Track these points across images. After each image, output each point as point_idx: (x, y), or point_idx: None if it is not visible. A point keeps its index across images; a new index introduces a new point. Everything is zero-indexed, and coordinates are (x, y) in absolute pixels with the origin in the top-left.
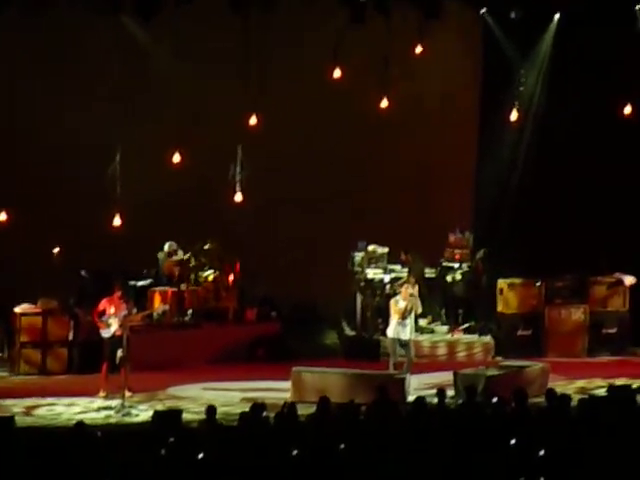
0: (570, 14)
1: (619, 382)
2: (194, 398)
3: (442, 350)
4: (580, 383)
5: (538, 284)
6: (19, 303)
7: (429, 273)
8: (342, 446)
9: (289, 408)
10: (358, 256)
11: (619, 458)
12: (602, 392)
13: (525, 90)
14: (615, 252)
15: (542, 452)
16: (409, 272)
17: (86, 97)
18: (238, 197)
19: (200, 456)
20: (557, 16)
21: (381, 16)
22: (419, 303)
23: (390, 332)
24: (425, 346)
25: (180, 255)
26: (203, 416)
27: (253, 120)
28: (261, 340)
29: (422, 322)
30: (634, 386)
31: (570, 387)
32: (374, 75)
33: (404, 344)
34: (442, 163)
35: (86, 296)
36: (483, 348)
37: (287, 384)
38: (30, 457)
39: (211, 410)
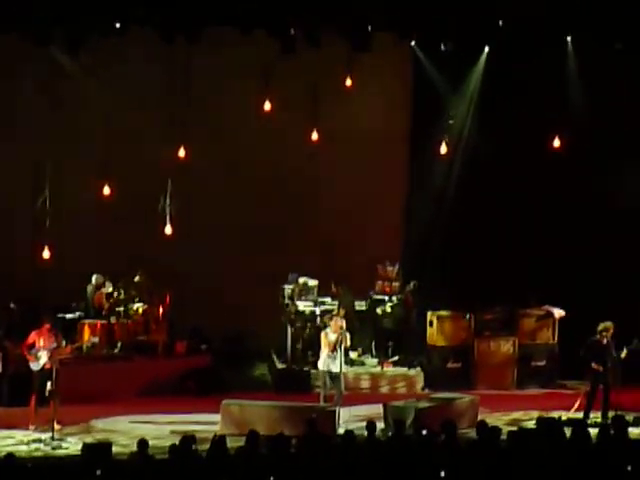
0: (500, 47)
1: (548, 414)
2: (123, 431)
3: (369, 383)
4: (510, 416)
5: (467, 317)
6: None
7: (359, 306)
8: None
9: (218, 441)
10: (288, 288)
11: None
12: (531, 424)
13: (455, 123)
14: (544, 285)
15: None
16: (339, 305)
17: (13, 129)
18: (168, 229)
19: None
20: (487, 49)
21: (312, 48)
22: (348, 336)
23: (321, 365)
24: (351, 378)
25: (108, 287)
26: (133, 449)
27: (182, 152)
28: (191, 373)
29: (353, 355)
30: (563, 418)
31: (500, 419)
32: (305, 107)
33: (334, 377)
34: (372, 195)
35: (15, 329)
36: (410, 381)
37: (217, 417)
38: None
39: (143, 443)
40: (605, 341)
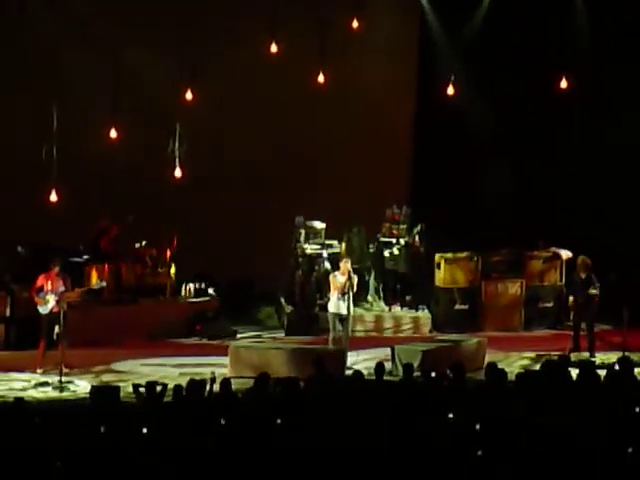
0: None
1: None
2: (132, 373)
3: (381, 324)
4: (517, 357)
5: (475, 259)
6: None
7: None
8: (279, 421)
9: (223, 383)
10: (296, 232)
11: (554, 432)
12: (537, 366)
13: (460, 67)
14: (551, 227)
15: (478, 426)
16: (347, 247)
17: (25, 72)
18: (177, 172)
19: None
20: None
21: None
22: (356, 279)
23: (330, 307)
24: (367, 320)
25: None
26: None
27: (189, 95)
28: (198, 316)
29: (369, 297)
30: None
31: (508, 361)
32: (311, 49)
33: (343, 319)
34: (379, 138)
35: (23, 272)
36: (418, 323)
37: (225, 359)
38: None
39: (151, 386)
40: (584, 276)
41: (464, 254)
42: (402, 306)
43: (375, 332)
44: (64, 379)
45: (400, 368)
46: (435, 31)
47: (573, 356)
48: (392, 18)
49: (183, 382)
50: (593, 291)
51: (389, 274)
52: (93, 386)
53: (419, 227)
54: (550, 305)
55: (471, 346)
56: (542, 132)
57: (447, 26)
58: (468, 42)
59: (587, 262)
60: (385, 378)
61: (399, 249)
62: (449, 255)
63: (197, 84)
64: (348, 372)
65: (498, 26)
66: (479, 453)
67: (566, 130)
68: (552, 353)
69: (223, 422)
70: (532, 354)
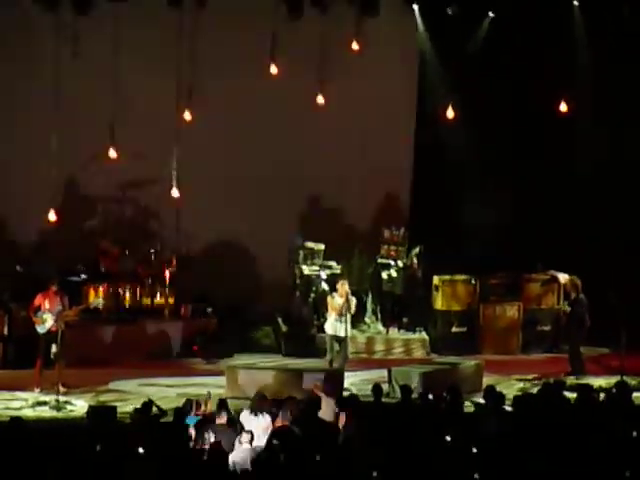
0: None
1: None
2: (129, 393)
3: (378, 347)
4: (514, 380)
5: (473, 281)
6: None
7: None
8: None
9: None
10: (294, 252)
11: (553, 454)
12: (535, 389)
13: (460, 87)
14: (549, 250)
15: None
16: (343, 269)
17: (20, 94)
18: (175, 193)
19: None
20: (491, 14)
21: (319, 12)
22: (354, 301)
23: (328, 328)
24: (361, 342)
25: (113, 251)
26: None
27: (187, 116)
28: (196, 336)
29: (367, 319)
30: (568, 383)
31: (505, 384)
32: (311, 72)
33: (341, 341)
34: (379, 159)
35: (20, 291)
36: (415, 345)
37: (222, 380)
38: None
39: (147, 405)
40: (572, 296)
41: (462, 277)
42: (399, 328)
43: (368, 354)
44: (61, 398)
45: (397, 390)
46: (433, 54)
47: (569, 379)
48: (391, 40)
49: (180, 402)
50: (562, 309)
51: (386, 296)
52: (90, 406)
53: (417, 249)
54: (548, 328)
55: (468, 369)
56: (541, 154)
57: (445, 49)
58: (467, 64)
59: (575, 282)
60: (382, 400)
61: (397, 271)
62: (447, 277)
63: (196, 105)
64: (345, 393)
65: (497, 48)
66: (476, 476)
67: (566, 151)
68: (549, 377)
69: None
70: (530, 377)
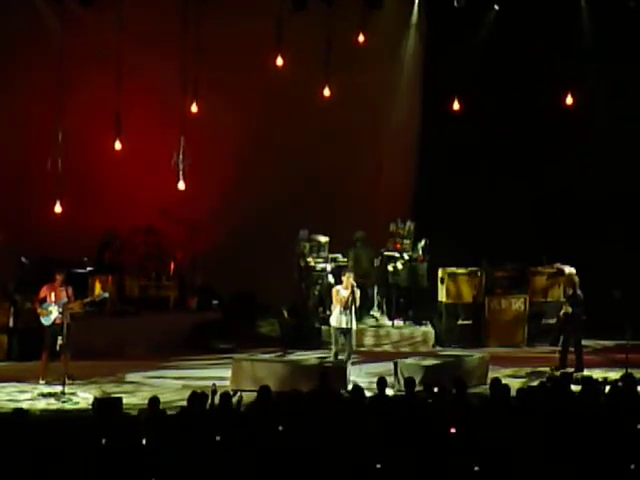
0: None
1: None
2: (135, 385)
3: (383, 339)
4: (521, 372)
5: (479, 274)
6: None
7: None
8: (281, 428)
9: (223, 396)
10: (300, 245)
11: (555, 446)
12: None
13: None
14: (555, 243)
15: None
16: (348, 261)
17: (26, 81)
18: (181, 185)
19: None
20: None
21: (324, 5)
22: (358, 293)
23: (333, 321)
24: (368, 335)
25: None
26: (144, 403)
27: (194, 108)
28: (202, 328)
29: (374, 313)
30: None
31: (510, 376)
32: (317, 63)
33: (346, 333)
34: (384, 152)
35: (26, 283)
36: (421, 338)
37: (227, 372)
38: None
39: (154, 400)
40: (570, 292)
41: (468, 269)
42: (405, 321)
43: (376, 347)
44: (67, 390)
45: (402, 383)
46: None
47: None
48: (398, 32)
49: (185, 395)
50: (562, 311)
51: (392, 288)
52: (96, 398)
53: (423, 242)
54: (553, 321)
55: (474, 361)
56: (548, 147)
57: (452, 41)
58: (473, 57)
59: (573, 279)
60: (387, 392)
61: (403, 264)
62: (452, 270)
63: (202, 97)
64: (350, 386)
65: (502, 40)
66: (479, 468)
67: (572, 144)
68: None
69: (225, 435)
70: (534, 369)
